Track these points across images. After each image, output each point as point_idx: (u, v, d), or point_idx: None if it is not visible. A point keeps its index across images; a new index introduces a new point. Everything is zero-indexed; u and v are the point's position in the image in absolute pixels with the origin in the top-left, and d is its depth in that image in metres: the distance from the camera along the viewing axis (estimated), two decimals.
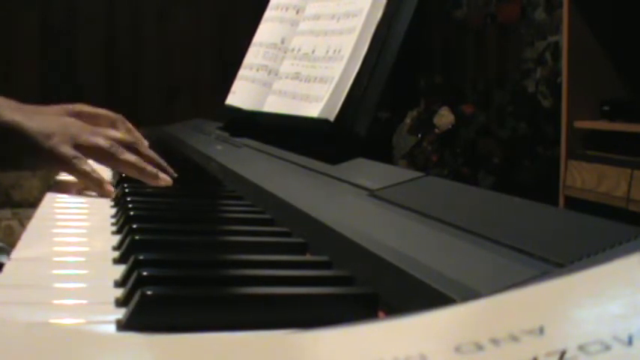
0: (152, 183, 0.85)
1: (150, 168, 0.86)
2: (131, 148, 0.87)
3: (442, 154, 2.25)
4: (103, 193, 0.82)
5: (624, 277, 0.26)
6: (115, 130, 0.92)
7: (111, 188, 0.82)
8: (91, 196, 0.82)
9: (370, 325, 0.26)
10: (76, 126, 0.85)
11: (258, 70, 1.08)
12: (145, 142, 1.00)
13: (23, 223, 2.62)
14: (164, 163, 0.89)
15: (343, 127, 0.79)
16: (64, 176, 1.00)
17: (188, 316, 0.39)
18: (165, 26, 3.31)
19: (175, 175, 0.89)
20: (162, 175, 0.86)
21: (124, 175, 0.88)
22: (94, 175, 0.81)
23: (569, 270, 0.29)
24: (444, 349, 0.23)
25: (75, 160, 0.81)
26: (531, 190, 2.25)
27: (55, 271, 0.49)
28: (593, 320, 0.24)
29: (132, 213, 0.64)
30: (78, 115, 1.03)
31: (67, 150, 0.81)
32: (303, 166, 0.78)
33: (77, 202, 0.78)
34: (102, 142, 0.85)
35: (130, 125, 1.02)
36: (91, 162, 0.85)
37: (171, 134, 1.52)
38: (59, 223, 0.66)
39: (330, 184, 0.68)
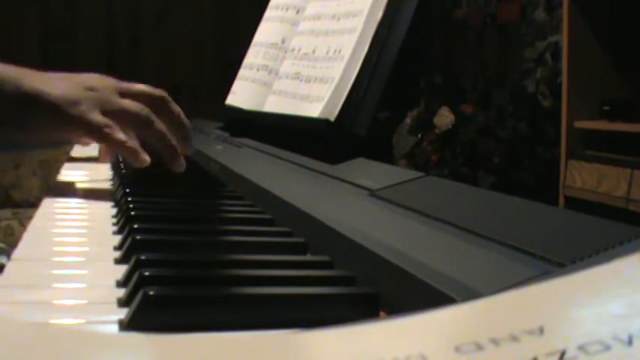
0: (169, 162, 0.81)
1: (173, 144, 0.81)
2: (160, 107, 0.81)
3: (442, 154, 2.25)
4: (138, 164, 0.77)
5: (624, 277, 0.26)
6: (142, 85, 0.85)
7: (147, 158, 0.77)
8: (91, 196, 0.82)
9: (370, 325, 0.26)
10: (99, 87, 0.79)
11: (258, 70, 1.08)
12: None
13: (23, 223, 2.62)
14: (187, 126, 0.84)
15: (343, 127, 0.79)
16: (65, 176, 1.00)
17: (190, 316, 0.39)
18: (165, 26, 3.31)
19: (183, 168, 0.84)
20: (181, 160, 0.82)
21: (123, 176, 0.88)
22: (129, 144, 0.76)
23: (569, 270, 0.29)
24: (444, 349, 0.23)
25: (107, 130, 0.75)
26: (531, 190, 2.25)
27: (55, 272, 0.49)
28: (593, 320, 0.24)
29: (133, 213, 0.64)
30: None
31: (97, 117, 0.76)
32: (303, 166, 0.78)
33: (77, 202, 0.78)
34: (133, 107, 0.79)
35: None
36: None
37: None
38: (59, 223, 0.66)
39: (331, 184, 0.68)
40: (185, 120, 0.85)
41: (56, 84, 0.77)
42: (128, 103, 0.80)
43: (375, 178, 0.63)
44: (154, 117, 0.80)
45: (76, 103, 0.76)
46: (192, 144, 0.86)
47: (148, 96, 0.82)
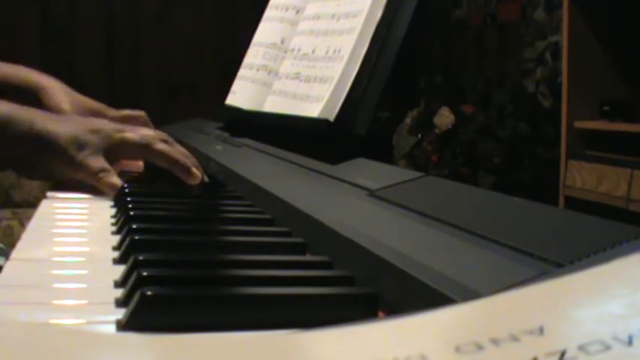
0: (183, 177, 0.84)
1: (183, 160, 0.85)
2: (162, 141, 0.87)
3: (442, 154, 2.26)
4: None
5: (624, 277, 0.26)
6: (145, 128, 0.92)
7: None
8: (90, 196, 0.82)
9: (370, 325, 0.26)
10: (103, 128, 0.85)
11: (258, 70, 1.08)
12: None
13: (23, 223, 2.61)
14: (195, 161, 0.88)
15: (343, 127, 0.79)
16: None
17: (188, 316, 0.39)
18: (165, 26, 3.31)
19: (206, 178, 0.88)
20: (194, 169, 0.85)
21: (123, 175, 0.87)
22: (119, 186, 0.81)
23: (569, 270, 0.29)
24: (444, 349, 0.23)
25: (101, 174, 0.81)
26: (531, 190, 2.25)
27: (54, 272, 0.49)
28: (593, 320, 0.24)
29: (131, 213, 0.64)
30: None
31: (97, 163, 0.82)
32: (303, 166, 0.78)
33: (77, 203, 0.78)
34: (133, 136, 0.85)
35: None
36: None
37: (172, 134, 1.52)
38: (59, 224, 0.66)
39: (330, 184, 0.68)
40: (190, 157, 0.89)
41: (65, 126, 0.83)
42: (128, 134, 0.86)
43: (375, 178, 0.63)
44: (154, 140, 0.86)
45: (82, 146, 0.82)
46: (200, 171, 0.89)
47: (152, 133, 0.88)
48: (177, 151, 0.87)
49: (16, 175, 0.89)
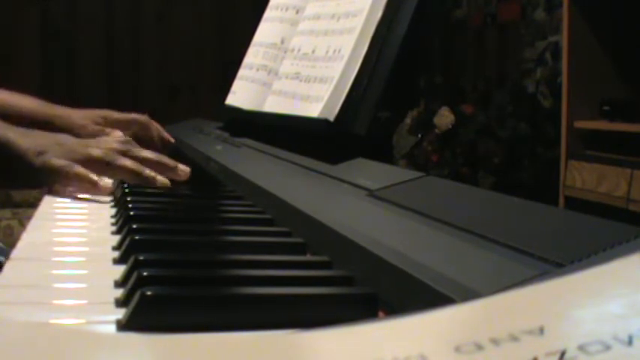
0: (151, 186, 0.84)
1: (147, 172, 0.84)
2: (127, 154, 0.87)
3: (442, 154, 2.25)
4: (100, 192, 0.81)
5: (624, 277, 0.26)
6: (108, 138, 0.92)
7: (107, 184, 0.82)
8: (90, 197, 0.82)
9: (370, 325, 0.26)
10: (67, 142, 0.86)
11: (258, 70, 1.08)
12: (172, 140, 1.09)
13: (23, 223, 2.61)
14: (166, 159, 0.88)
15: (343, 127, 0.79)
16: None
17: (188, 316, 0.39)
18: (165, 26, 3.31)
19: (187, 169, 0.88)
20: (159, 177, 0.85)
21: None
22: (90, 176, 0.81)
23: (569, 270, 0.29)
24: (444, 349, 0.23)
25: (67, 168, 0.81)
26: (531, 190, 2.25)
27: (54, 271, 0.49)
28: (593, 320, 0.24)
29: (132, 213, 0.64)
30: (104, 120, 1.08)
31: (58, 161, 0.81)
32: (303, 166, 0.78)
33: (77, 203, 0.78)
34: (96, 152, 0.85)
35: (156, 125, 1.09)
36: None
37: (172, 134, 1.52)
38: (59, 223, 0.66)
39: (330, 184, 0.68)
40: (158, 157, 0.89)
41: (25, 135, 0.84)
42: (91, 150, 0.85)
43: (375, 178, 0.63)
44: (116, 156, 0.85)
45: (41, 153, 0.82)
46: (177, 166, 0.89)
47: (116, 147, 0.87)
48: (143, 157, 0.86)
49: None
